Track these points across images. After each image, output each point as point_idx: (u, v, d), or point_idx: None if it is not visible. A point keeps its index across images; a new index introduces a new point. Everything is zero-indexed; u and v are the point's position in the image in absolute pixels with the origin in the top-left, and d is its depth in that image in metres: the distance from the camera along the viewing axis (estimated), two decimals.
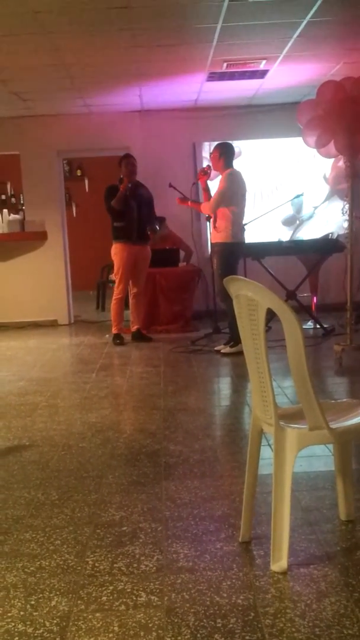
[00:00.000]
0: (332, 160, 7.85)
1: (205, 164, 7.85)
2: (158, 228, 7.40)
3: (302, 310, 7.03)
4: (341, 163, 6.72)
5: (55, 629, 2.05)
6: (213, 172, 6.54)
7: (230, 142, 6.58)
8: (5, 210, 8.77)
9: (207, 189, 6.45)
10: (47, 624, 2.08)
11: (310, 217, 8.59)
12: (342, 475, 2.66)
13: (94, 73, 6.44)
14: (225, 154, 6.26)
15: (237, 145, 8.38)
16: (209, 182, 6.51)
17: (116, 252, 7.00)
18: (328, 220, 8.50)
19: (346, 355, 5.54)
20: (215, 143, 6.57)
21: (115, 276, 7.12)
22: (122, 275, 7.00)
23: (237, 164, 6.58)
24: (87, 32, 5.17)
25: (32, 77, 6.46)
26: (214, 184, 6.50)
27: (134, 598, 2.19)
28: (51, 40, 5.30)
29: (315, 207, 8.56)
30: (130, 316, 7.29)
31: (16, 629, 2.05)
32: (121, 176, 6.88)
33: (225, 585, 2.23)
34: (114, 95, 7.46)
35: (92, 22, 4.95)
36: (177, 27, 5.23)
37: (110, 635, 2.00)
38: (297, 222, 8.60)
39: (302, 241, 8.11)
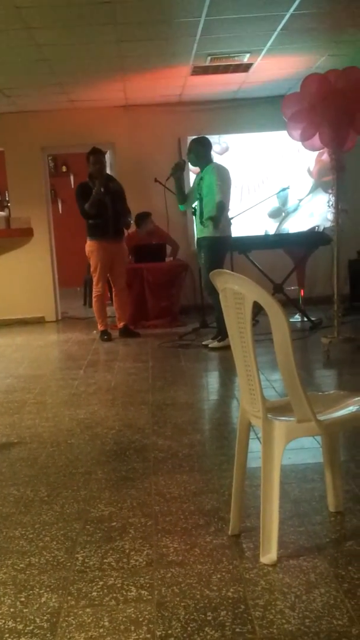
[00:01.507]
0: (316, 153, 7.88)
1: None
2: (131, 221, 7.32)
3: (290, 304, 7.04)
4: (325, 156, 6.73)
5: (45, 625, 2.04)
6: (194, 168, 6.53)
7: (208, 136, 6.56)
8: None
9: (182, 185, 6.42)
10: (38, 620, 2.07)
11: (295, 209, 8.62)
12: (331, 467, 2.67)
13: (78, 68, 6.41)
14: (205, 149, 6.23)
15: (224, 140, 8.41)
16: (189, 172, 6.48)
17: (92, 249, 6.94)
18: (313, 212, 8.53)
19: (333, 347, 5.57)
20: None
21: (92, 274, 7.09)
22: (99, 273, 6.97)
23: (223, 158, 6.55)
24: (70, 27, 5.14)
25: (15, 73, 6.42)
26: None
27: (124, 593, 2.19)
28: (34, 36, 5.27)
29: (300, 200, 8.59)
30: (115, 313, 7.27)
31: (6, 626, 2.05)
32: (90, 172, 6.82)
33: (215, 579, 2.24)
34: (98, 91, 7.43)
35: (75, 17, 4.93)
36: (161, 22, 5.21)
37: (101, 630, 2.00)
38: (283, 214, 8.62)
39: (288, 234, 8.13)
